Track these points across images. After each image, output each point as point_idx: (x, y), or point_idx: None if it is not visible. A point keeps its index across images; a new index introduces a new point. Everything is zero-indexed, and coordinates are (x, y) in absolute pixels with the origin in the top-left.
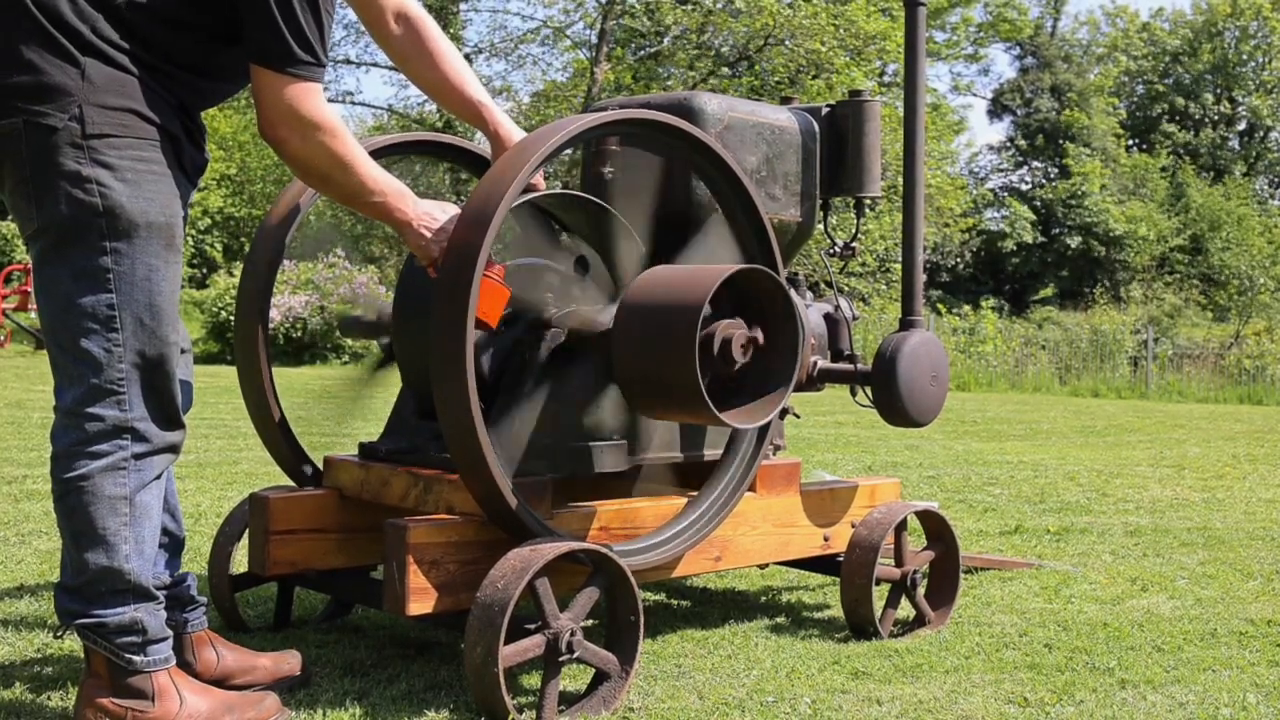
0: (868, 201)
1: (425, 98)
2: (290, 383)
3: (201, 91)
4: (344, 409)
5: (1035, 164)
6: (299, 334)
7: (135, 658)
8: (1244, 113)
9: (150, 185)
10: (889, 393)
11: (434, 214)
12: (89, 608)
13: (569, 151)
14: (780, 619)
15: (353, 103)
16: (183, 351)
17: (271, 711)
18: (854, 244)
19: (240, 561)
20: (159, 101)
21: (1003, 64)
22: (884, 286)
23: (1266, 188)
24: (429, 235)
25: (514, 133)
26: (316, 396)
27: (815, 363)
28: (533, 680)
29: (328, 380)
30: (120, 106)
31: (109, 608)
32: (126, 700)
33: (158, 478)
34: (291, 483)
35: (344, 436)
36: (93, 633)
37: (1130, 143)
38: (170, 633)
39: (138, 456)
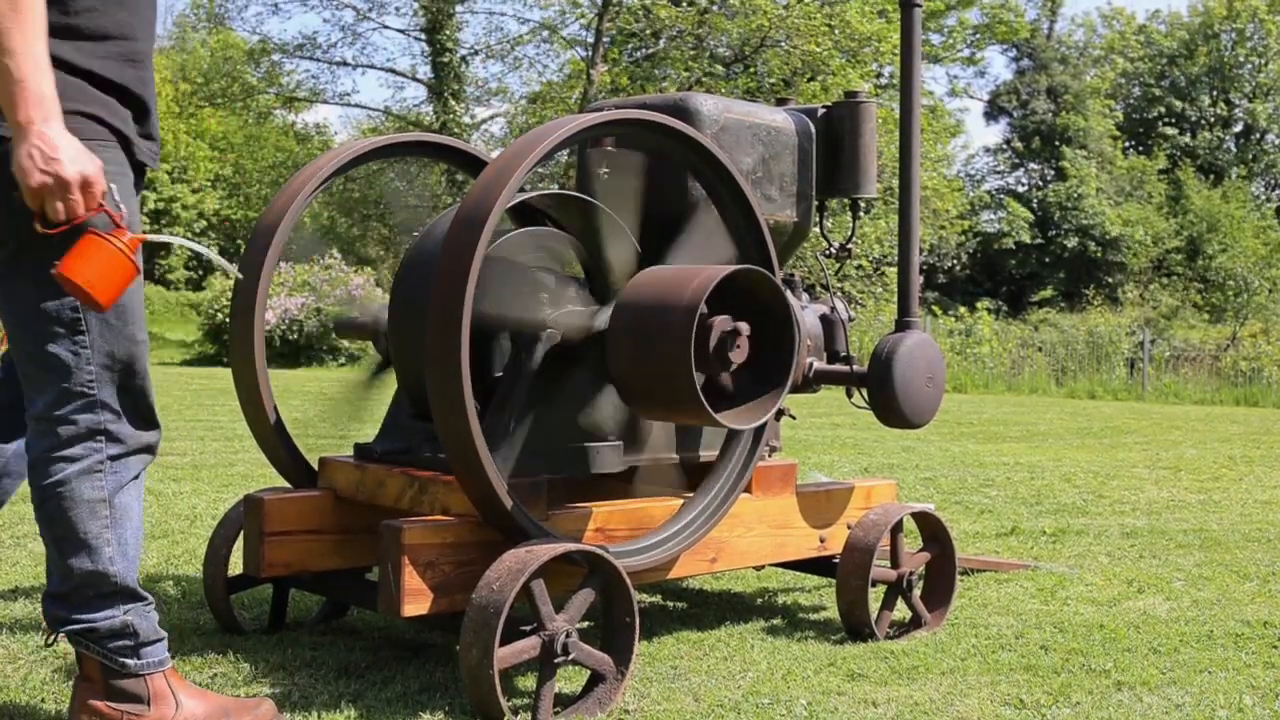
0: (863, 203)
1: (421, 99)
2: (286, 385)
3: (139, 58)
4: (345, 413)
5: (1032, 166)
6: (295, 336)
7: (129, 661)
8: (1240, 115)
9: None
10: (885, 394)
11: (60, 146)
12: (77, 613)
13: (565, 152)
14: (776, 621)
15: (349, 104)
16: None
17: (267, 717)
18: (850, 245)
19: (235, 563)
20: (107, 102)
21: (999, 66)
22: (880, 289)
23: (1263, 190)
24: (37, 161)
25: None
26: (320, 404)
27: (811, 364)
28: (528, 682)
29: (327, 385)
30: (70, 111)
31: (98, 612)
32: (121, 704)
33: (135, 478)
34: (287, 484)
35: (341, 438)
36: (84, 638)
37: (1127, 145)
38: (164, 634)
39: (113, 458)
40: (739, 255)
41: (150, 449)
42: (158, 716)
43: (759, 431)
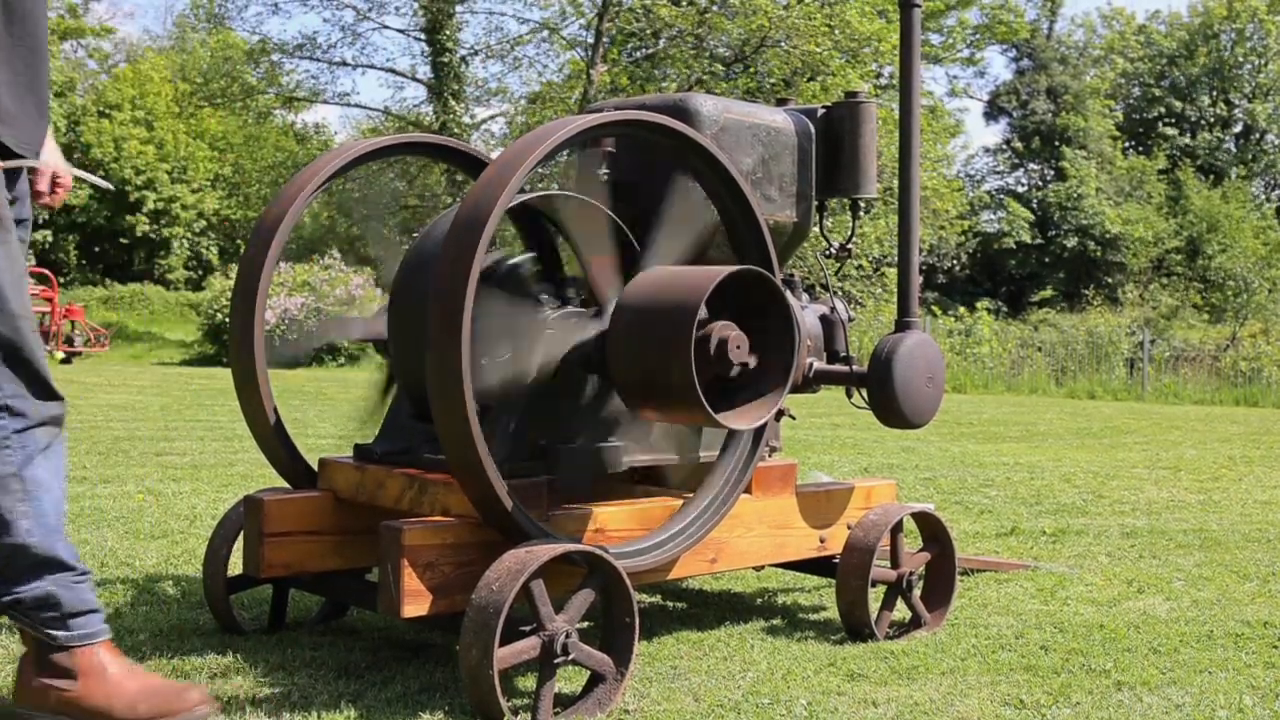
0: (863, 203)
1: (421, 99)
2: (286, 385)
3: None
4: (368, 420)
5: (1031, 166)
6: (294, 336)
7: (57, 633)
8: (1240, 115)
9: None
10: (885, 394)
11: None
12: (7, 586)
13: (565, 153)
14: (776, 621)
15: (349, 104)
16: None
17: (194, 703)
18: (849, 245)
19: (235, 563)
20: None
21: (999, 66)
22: (880, 289)
23: (1263, 190)
24: None
25: None
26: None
27: (811, 364)
28: (528, 682)
29: (328, 385)
30: None
31: (23, 584)
32: (50, 679)
33: (45, 450)
34: (286, 485)
35: (341, 438)
36: (14, 610)
37: (1127, 145)
38: (97, 607)
39: (18, 432)
40: (739, 256)
41: (56, 420)
42: (83, 691)
43: (759, 432)
